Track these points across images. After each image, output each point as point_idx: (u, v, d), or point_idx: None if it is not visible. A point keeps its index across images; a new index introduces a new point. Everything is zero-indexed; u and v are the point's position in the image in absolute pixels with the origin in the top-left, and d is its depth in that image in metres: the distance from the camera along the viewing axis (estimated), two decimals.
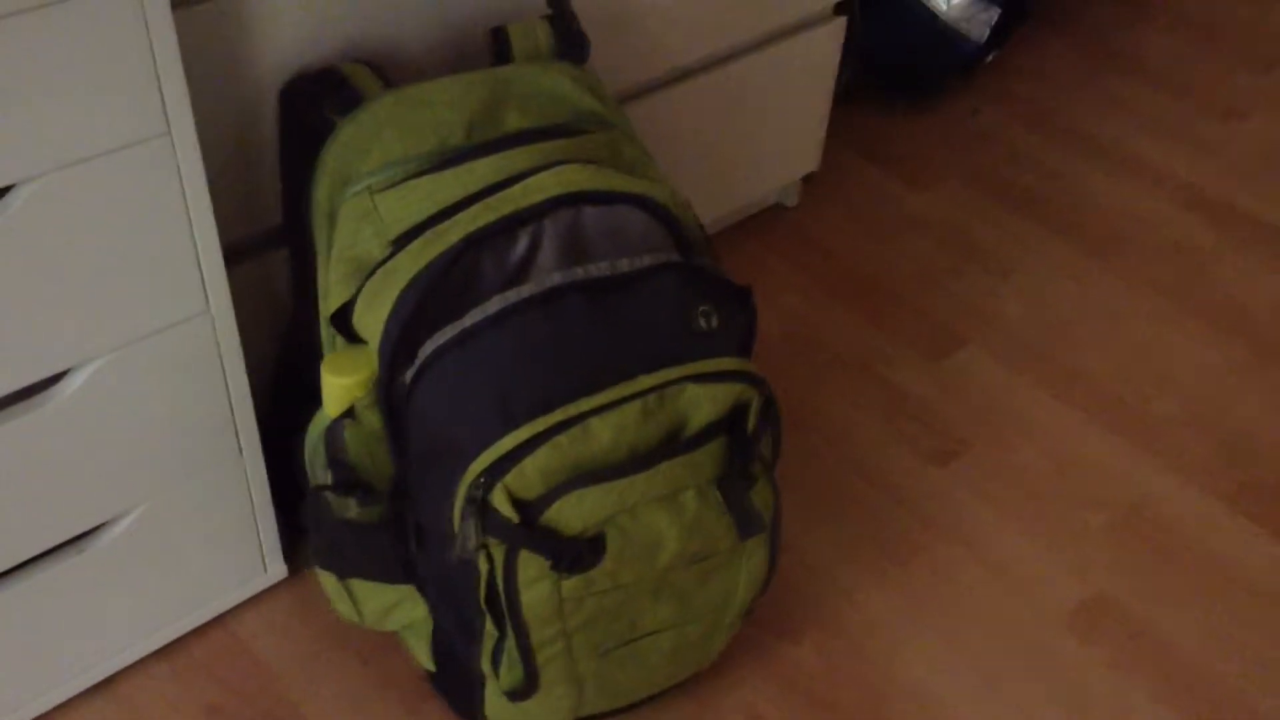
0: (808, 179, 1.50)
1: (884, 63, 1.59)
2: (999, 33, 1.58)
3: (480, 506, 0.74)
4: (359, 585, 0.88)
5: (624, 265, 0.77)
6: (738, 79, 1.22)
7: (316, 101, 0.85)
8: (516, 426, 0.74)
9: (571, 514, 0.74)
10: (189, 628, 0.96)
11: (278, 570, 0.99)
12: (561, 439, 0.73)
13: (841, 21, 1.29)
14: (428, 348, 0.75)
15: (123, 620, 0.91)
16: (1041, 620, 1.04)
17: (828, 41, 1.29)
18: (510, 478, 0.73)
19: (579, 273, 0.76)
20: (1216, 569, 1.09)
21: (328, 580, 0.89)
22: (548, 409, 0.74)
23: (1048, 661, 1.01)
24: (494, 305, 0.75)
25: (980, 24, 1.53)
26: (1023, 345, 1.30)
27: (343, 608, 0.90)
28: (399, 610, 0.89)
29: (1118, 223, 1.48)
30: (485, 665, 0.84)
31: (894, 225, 1.45)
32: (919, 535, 1.10)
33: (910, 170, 1.54)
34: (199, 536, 0.91)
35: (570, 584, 0.77)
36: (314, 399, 0.86)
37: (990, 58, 1.60)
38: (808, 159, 1.38)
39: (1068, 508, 1.14)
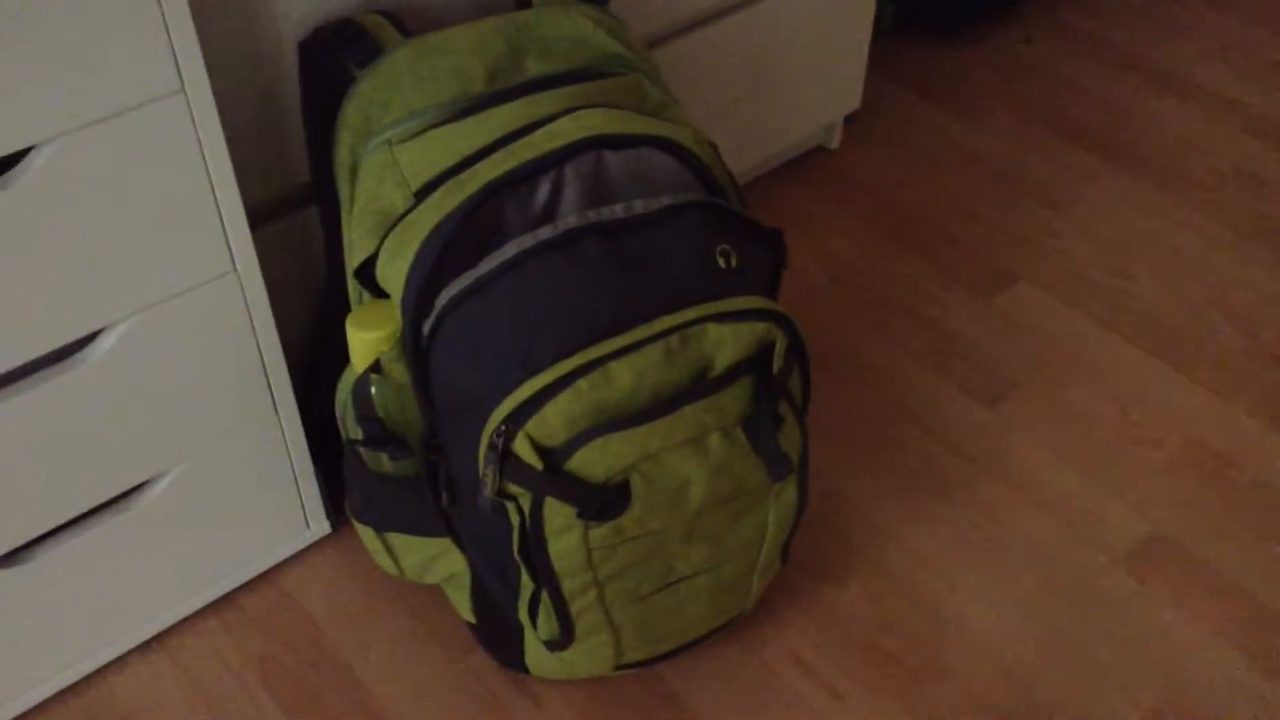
0: (851, 119, 1.46)
1: None
2: None
3: (502, 454, 0.74)
4: (397, 539, 0.89)
5: (640, 206, 0.76)
6: (772, 18, 1.19)
7: (336, 54, 0.85)
8: (536, 373, 0.73)
9: (596, 461, 0.74)
10: (237, 583, 0.98)
11: (321, 526, 1.00)
12: (582, 384, 0.72)
13: None
14: (444, 296, 0.75)
15: (171, 577, 0.93)
16: (1098, 560, 1.01)
17: None
18: (532, 425, 0.73)
19: (594, 215, 0.75)
20: None
21: (367, 535, 0.90)
22: (567, 354, 0.73)
23: (1105, 601, 0.98)
24: (510, 250, 0.74)
25: None
26: (1077, 280, 1.26)
27: (383, 562, 0.91)
28: (438, 563, 0.90)
29: (1178, 151, 1.43)
30: (523, 616, 0.84)
31: (943, 161, 1.41)
32: (969, 477, 1.08)
33: (959, 105, 1.49)
34: (240, 494, 0.93)
35: (599, 533, 0.76)
36: (349, 355, 0.86)
37: None
38: (848, 99, 1.35)
39: (1125, 445, 1.10)
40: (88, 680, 0.93)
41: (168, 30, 0.71)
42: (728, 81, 1.19)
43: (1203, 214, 1.34)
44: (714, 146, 0.85)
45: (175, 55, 0.72)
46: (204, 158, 0.77)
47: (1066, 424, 1.12)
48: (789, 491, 0.84)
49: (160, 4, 0.70)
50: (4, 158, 0.72)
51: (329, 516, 1.01)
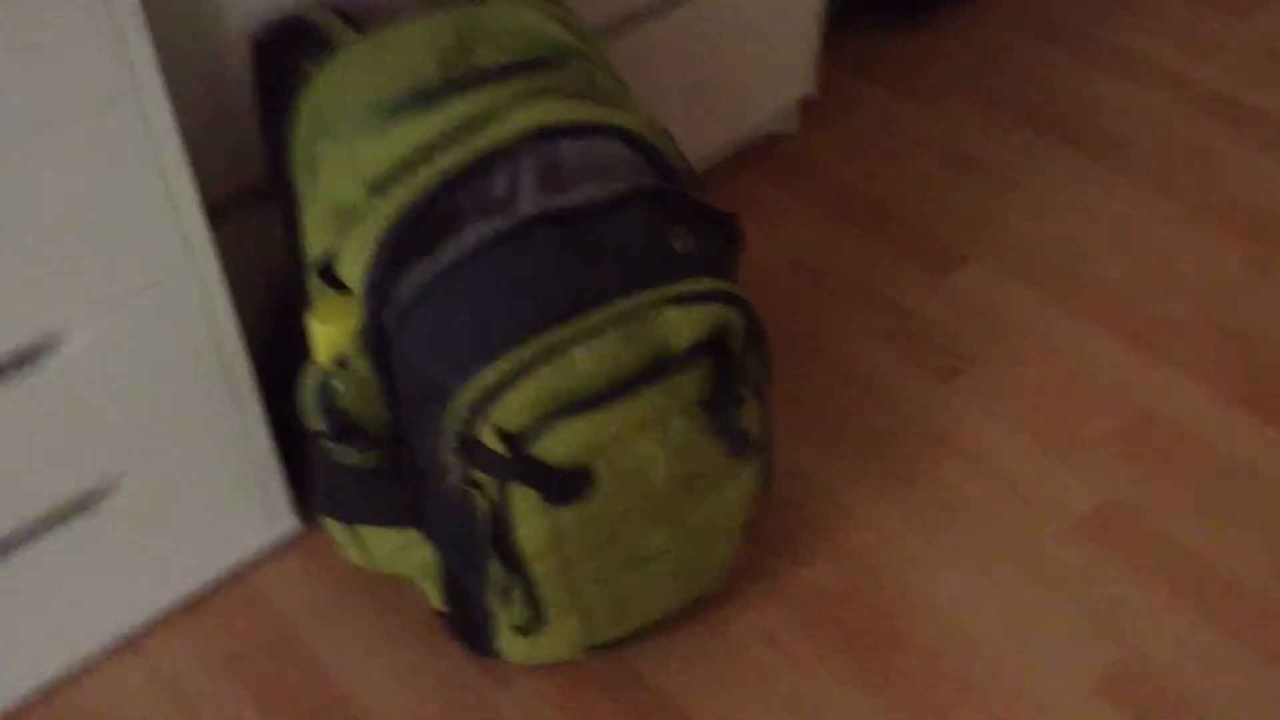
0: (806, 105, 1.48)
1: None
2: None
3: (466, 442, 0.74)
4: (365, 531, 0.90)
5: (594, 193, 0.77)
6: (722, 6, 1.20)
7: (289, 51, 0.85)
8: (496, 360, 0.74)
9: (559, 445, 0.75)
10: (206, 581, 0.98)
11: (289, 522, 1.01)
12: (542, 370, 0.74)
13: None
14: (404, 288, 0.76)
15: (140, 577, 0.93)
16: (1054, 530, 1.04)
17: None
18: (495, 411, 0.74)
19: (549, 203, 0.76)
20: (1231, 470, 1.08)
21: (335, 527, 0.91)
22: (526, 340, 0.74)
23: (1062, 570, 1.01)
24: (467, 240, 0.75)
25: None
26: (1029, 257, 1.29)
27: (352, 553, 0.92)
28: (407, 553, 0.91)
29: (1125, 127, 1.45)
30: (492, 602, 0.85)
31: (896, 145, 1.43)
32: (927, 452, 1.10)
33: (911, 88, 1.51)
34: (206, 492, 0.93)
35: (564, 516, 0.78)
36: (310, 349, 0.87)
37: None
38: (800, 83, 1.36)
39: (1077, 417, 1.13)
40: (60, 684, 0.93)
41: (119, 30, 0.71)
42: (680, 70, 1.21)
43: (1152, 190, 1.37)
44: (667, 133, 0.86)
45: (128, 55, 0.72)
46: (158, 156, 0.77)
47: (1021, 398, 1.15)
48: (750, 471, 0.85)
49: (111, 4, 0.70)
50: None
51: (296, 511, 1.01)
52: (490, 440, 0.75)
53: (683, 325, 0.77)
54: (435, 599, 0.92)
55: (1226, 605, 0.98)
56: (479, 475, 0.77)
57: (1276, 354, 1.18)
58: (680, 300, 0.77)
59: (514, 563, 0.80)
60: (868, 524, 1.04)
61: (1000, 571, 1.01)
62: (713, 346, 0.79)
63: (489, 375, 0.74)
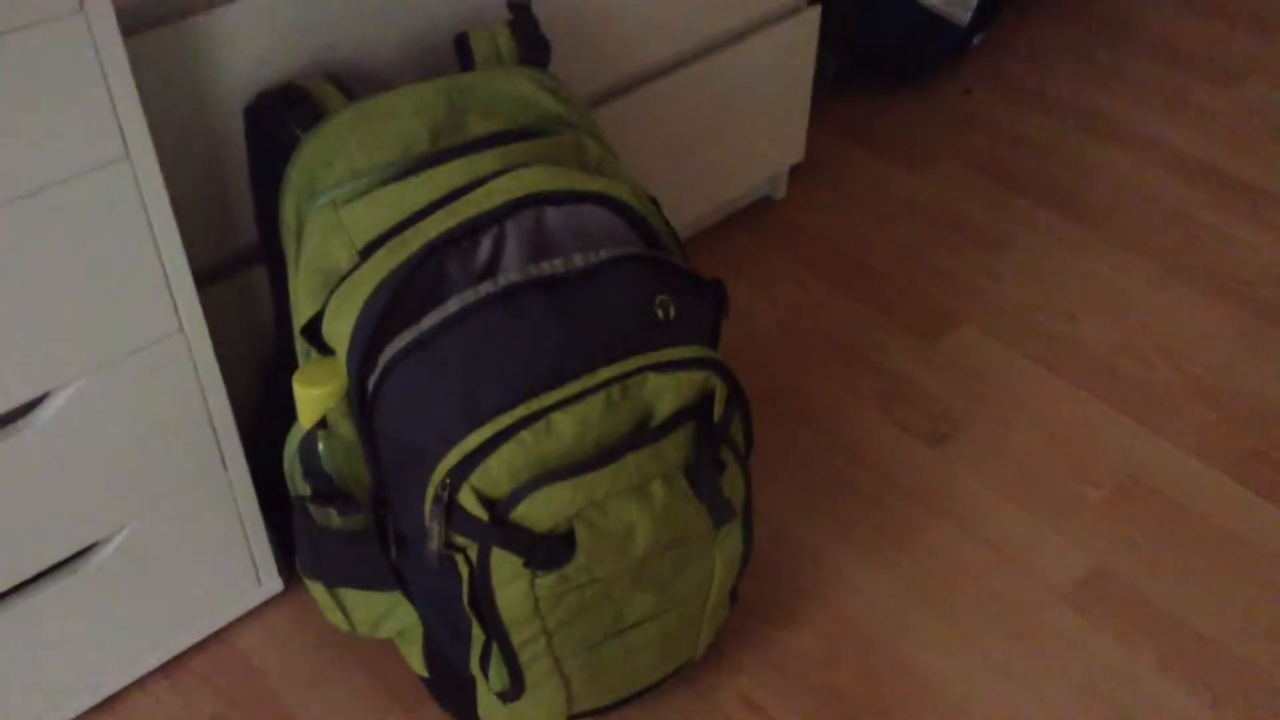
0: (797, 169, 1.50)
1: (872, 50, 1.59)
2: (983, 14, 1.57)
3: (447, 506, 0.75)
4: (348, 594, 0.90)
5: (579, 260, 0.78)
6: (714, 75, 1.22)
7: (281, 118, 0.86)
8: (479, 425, 0.74)
9: (540, 511, 0.75)
10: (189, 643, 0.97)
11: (273, 583, 1.00)
12: (525, 435, 0.74)
13: (816, 11, 1.29)
14: (388, 352, 0.76)
15: (122, 637, 0.92)
16: (1042, 596, 1.03)
17: (803, 32, 1.29)
18: (476, 476, 0.74)
19: (534, 270, 0.77)
20: (1218, 537, 1.08)
21: (317, 590, 0.91)
22: (509, 406, 0.75)
23: (1050, 637, 1.00)
24: (451, 306, 0.76)
25: (963, 7, 1.53)
26: (1018, 322, 1.29)
27: (334, 617, 0.91)
28: (390, 617, 0.90)
29: (1114, 194, 1.47)
30: (475, 668, 0.85)
31: (887, 209, 1.45)
32: (915, 517, 1.10)
33: (903, 154, 1.53)
34: (191, 553, 0.93)
35: (545, 582, 0.77)
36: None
37: (977, 40, 1.60)
38: (792, 150, 1.38)
39: (1066, 482, 1.13)
40: None
41: (112, 99, 0.72)
42: (672, 137, 1.22)
43: (1138, 255, 1.38)
44: (654, 200, 0.87)
45: (120, 123, 0.73)
46: (149, 221, 0.78)
47: (1009, 463, 1.15)
48: (734, 536, 0.85)
49: (104, 73, 0.71)
50: None
51: (280, 573, 1.01)
52: (471, 505, 0.75)
53: (666, 391, 0.77)
54: (417, 663, 0.92)
55: (1214, 674, 0.98)
56: (460, 539, 0.77)
57: (1263, 422, 1.18)
58: (665, 367, 0.77)
59: (495, 628, 0.79)
60: (854, 589, 1.04)
61: (989, 638, 1.00)
62: (696, 413, 0.79)
63: (471, 440, 0.74)
